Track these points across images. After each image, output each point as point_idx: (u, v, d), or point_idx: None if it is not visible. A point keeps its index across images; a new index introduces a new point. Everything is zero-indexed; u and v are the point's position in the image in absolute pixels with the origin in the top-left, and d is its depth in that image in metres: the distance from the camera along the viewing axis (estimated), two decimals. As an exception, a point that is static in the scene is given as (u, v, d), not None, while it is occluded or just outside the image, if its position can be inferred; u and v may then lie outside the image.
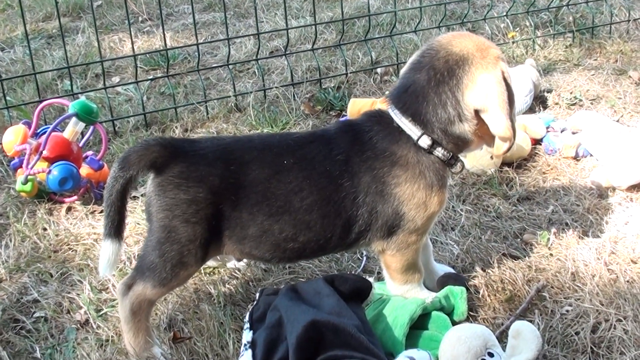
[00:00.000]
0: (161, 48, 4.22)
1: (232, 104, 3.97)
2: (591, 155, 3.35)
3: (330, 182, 2.24)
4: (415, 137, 2.23)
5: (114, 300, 2.61)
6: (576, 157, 3.35)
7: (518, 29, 4.83)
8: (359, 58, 4.50)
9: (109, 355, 2.35)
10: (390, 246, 2.32)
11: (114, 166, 2.21)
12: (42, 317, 2.59)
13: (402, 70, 2.34)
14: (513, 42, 4.64)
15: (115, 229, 2.23)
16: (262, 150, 2.27)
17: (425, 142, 2.22)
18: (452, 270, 2.62)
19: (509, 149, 2.23)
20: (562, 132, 3.47)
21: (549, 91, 4.03)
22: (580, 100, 3.94)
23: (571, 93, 4.01)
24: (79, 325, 2.53)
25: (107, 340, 2.43)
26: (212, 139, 2.36)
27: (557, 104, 3.92)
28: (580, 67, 4.40)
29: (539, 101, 3.93)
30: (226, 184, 2.21)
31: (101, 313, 2.55)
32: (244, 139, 2.35)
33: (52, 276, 2.76)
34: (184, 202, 2.19)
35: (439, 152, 2.24)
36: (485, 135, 2.25)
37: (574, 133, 3.44)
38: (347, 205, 2.25)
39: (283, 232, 2.26)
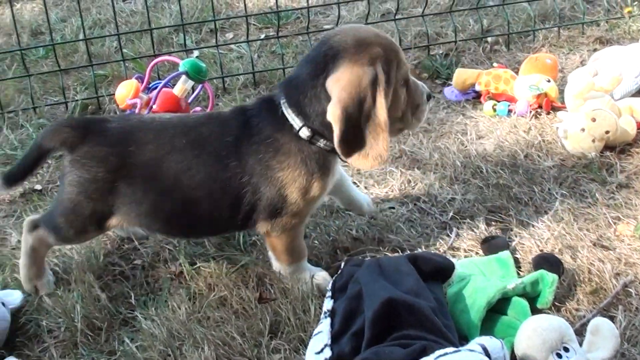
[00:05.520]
0: (274, 7, 4.27)
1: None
2: None
3: (218, 162, 2.38)
4: (296, 128, 2.32)
5: (208, 254, 2.74)
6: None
7: (636, 3, 4.62)
8: (469, 25, 4.43)
9: (198, 308, 2.49)
10: (274, 228, 2.45)
11: (33, 142, 2.55)
12: (139, 264, 2.75)
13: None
14: (630, 17, 4.46)
15: (10, 179, 2.56)
16: (159, 131, 2.46)
17: (305, 133, 2.33)
18: (368, 199, 2.82)
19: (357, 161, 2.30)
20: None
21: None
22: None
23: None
24: (173, 275, 2.68)
25: (198, 294, 2.56)
26: (120, 118, 2.60)
27: (673, 86, 3.77)
28: None
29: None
30: (124, 163, 2.41)
31: (195, 267, 2.69)
32: (147, 119, 2.57)
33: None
34: (87, 181, 2.43)
35: (321, 142, 2.34)
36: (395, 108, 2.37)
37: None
38: (234, 185, 2.37)
39: (174, 209, 2.45)
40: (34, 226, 2.57)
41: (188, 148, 2.40)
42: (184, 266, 2.67)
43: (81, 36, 4.49)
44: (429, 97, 2.52)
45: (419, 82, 2.50)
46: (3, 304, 2.50)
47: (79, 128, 2.48)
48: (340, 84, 2.21)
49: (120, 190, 2.43)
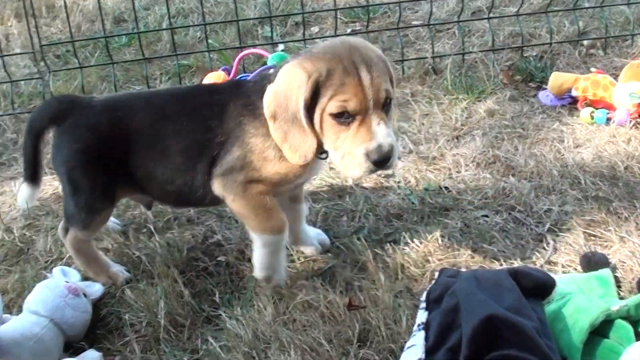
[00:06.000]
0: (363, 1, 4.18)
1: (429, 66, 3.89)
2: None
3: (203, 125, 2.38)
4: None
5: (291, 254, 2.66)
6: None
7: None
8: (564, 27, 4.25)
9: (283, 309, 2.41)
10: (227, 190, 2.39)
11: (25, 130, 2.56)
12: (223, 261, 2.69)
13: None
14: None
15: (31, 176, 2.57)
16: (149, 99, 2.50)
17: None
18: (324, 235, 2.70)
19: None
20: None
21: None
22: None
23: None
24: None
25: (284, 296, 2.48)
26: (106, 95, 2.64)
27: None
28: None
29: None
30: (115, 131, 2.41)
31: (280, 267, 2.61)
32: (135, 92, 2.66)
33: (237, 222, 2.86)
34: (77, 152, 2.43)
35: None
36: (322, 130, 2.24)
37: None
38: (212, 146, 2.37)
39: (164, 174, 2.44)
40: (66, 230, 2.61)
41: (178, 114, 2.42)
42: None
43: (164, 25, 4.49)
44: (373, 161, 2.18)
45: (378, 141, 2.17)
46: (85, 295, 2.47)
47: (66, 102, 2.52)
48: (279, 75, 2.25)
49: (114, 157, 2.43)
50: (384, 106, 2.21)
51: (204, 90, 2.57)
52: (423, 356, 2.03)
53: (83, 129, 2.44)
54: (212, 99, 2.41)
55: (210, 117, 2.37)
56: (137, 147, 2.43)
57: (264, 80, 2.33)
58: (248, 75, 3.27)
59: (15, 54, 4.46)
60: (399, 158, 2.62)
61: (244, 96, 2.37)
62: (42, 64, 4.07)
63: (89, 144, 2.43)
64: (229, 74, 3.34)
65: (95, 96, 2.59)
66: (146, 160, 2.44)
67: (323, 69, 2.16)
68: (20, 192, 2.64)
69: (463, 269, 2.44)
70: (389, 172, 2.98)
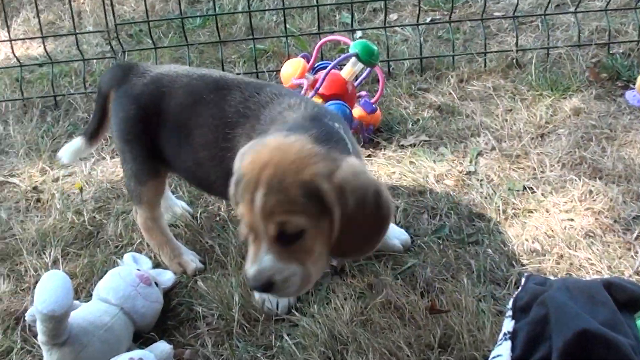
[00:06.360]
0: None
1: (512, 59, 3.75)
2: None
3: (226, 128, 2.26)
4: None
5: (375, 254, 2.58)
6: None
7: None
8: (655, 24, 4.06)
9: (361, 309, 2.34)
10: None
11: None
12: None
13: None
14: None
15: (90, 134, 2.65)
16: (193, 79, 2.41)
17: None
18: (406, 235, 2.62)
19: None
20: None
21: None
22: None
23: None
24: (334, 270, 2.54)
25: (361, 293, 2.41)
26: (165, 66, 2.57)
27: None
28: None
29: None
30: (154, 104, 2.40)
31: (357, 263, 2.53)
32: (190, 70, 2.50)
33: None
34: (122, 120, 2.44)
35: None
36: None
37: None
38: (232, 156, 2.08)
39: (186, 162, 2.40)
40: (135, 211, 2.65)
41: (210, 105, 2.33)
42: (346, 263, 2.52)
43: (240, 7, 4.43)
44: (250, 284, 1.97)
45: (252, 272, 1.93)
46: (156, 284, 2.42)
47: (125, 69, 2.52)
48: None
49: (150, 131, 2.42)
50: (280, 238, 1.89)
51: (248, 85, 2.35)
52: (509, 367, 1.94)
53: (130, 98, 2.44)
54: (245, 99, 2.29)
55: (232, 127, 2.25)
56: (167, 125, 2.40)
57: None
58: (328, 63, 3.18)
59: (88, 32, 4.45)
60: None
61: (276, 109, 2.21)
62: (115, 43, 4.05)
63: (131, 114, 2.43)
64: (308, 61, 3.25)
65: (153, 66, 2.55)
66: (171, 141, 2.41)
67: (241, 169, 1.95)
68: (71, 143, 2.71)
69: (550, 277, 2.33)
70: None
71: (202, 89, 2.37)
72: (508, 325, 2.08)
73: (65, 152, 2.70)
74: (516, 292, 2.19)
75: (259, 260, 1.91)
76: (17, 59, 4.00)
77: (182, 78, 2.43)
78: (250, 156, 1.93)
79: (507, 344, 2.01)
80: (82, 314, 2.27)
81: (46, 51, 3.97)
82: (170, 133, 2.40)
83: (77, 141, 2.69)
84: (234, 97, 2.30)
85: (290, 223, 1.86)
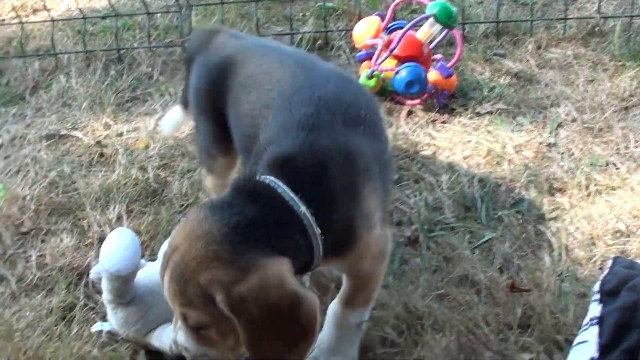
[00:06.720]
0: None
1: (593, 27, 3.57)
2: None
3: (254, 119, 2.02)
4: None
5: (447, 223, 2.49)
6: None
7: None
8: None
9: (438, 283, 2.24)
10: None
11: None
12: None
13: None
14: None
15: (186, 102, 2.45)
16: (266, 54, 2.18)
17: None
18: None
19: None
20: None
21: None
22: None
23: None
24: (407, 240, 2.45)
25: (436, 266, 2.31)
26: (251, 38, 2.45)
27: None
28: None
29: None
30: (224, 77, 2.16)
31: (432, 234, 2.43)
32: (273, 45, 2.34)
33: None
34: (194, 90, 2.30)
35: None
36: None
37: None
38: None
39: (240, 138, 2.13)
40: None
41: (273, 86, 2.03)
42: (421, 231, 2.42)
43: (310, -38, 4.28)
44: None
45: (176, 328, 1.81)
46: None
47: (207, 35, 2.37)
48: None
49: (218, 105, 2.18)
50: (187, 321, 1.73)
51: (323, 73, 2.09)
52: (596, 355, 1.82)
53: (204, 68, 2.26)
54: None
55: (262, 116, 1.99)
56: (229, 101, 2.16)
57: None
58: (402, 24, 3.05)
59: (153, -15, 4.37)
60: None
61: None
62: (180, -4, 3.96)
63: (203, 85, 2.25)
64: (383, 20, 3.13)
65: (240, 35, 2.43)
66: (236, 116, 2.15)
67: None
68: (170, 113, 2.62)
69: (637, 260, 2.21)
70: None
71: (269, 67, 2.11)
72: (595, 309, 1.97)
73: (167, 124, 2.61)
74: (602, 275, 2.08)
75: (176, 331, 1.79)
76: (80, 11, 3.93)
77: (256, 53, 2.19)
78: (177, 229, 1.74)
79: (594, 330, 1.90)
80: (148, 273, 2.18)
81: (110, 3, 3.90)
82: (235, 108, 2.16)
83: (176, 111, 2.59)
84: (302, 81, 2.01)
85: (190, 317, 1.69)
